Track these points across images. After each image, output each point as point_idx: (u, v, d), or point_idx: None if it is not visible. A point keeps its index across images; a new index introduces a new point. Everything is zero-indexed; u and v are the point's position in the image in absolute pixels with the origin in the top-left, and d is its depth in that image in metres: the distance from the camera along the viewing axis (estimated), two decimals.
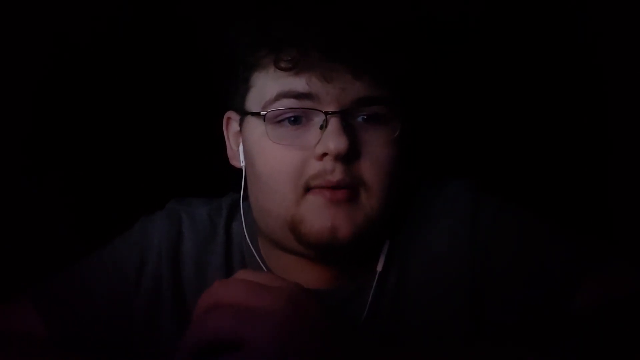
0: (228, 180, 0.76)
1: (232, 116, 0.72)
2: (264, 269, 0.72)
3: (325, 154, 0.62)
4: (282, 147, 0.64)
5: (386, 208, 0.66)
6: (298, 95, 0.63)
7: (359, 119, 0.64)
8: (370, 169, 0.64)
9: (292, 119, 0.64)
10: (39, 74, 1.00)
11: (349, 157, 0.62)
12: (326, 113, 0.62)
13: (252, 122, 0.67)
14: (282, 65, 0.62)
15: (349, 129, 0.63)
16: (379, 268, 0.69)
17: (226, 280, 0.50)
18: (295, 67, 0.62)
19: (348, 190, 0.63)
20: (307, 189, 0.64)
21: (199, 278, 0.73)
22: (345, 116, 0.63)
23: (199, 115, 0.96)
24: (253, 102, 0.67)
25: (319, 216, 0.63)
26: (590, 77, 1.02)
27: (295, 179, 0.63)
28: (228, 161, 0.74)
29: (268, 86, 0.65)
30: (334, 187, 0.63)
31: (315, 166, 0.63)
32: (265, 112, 0.64)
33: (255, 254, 0.73)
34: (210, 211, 0.77)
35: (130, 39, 1.01)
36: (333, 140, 0.61)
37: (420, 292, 0.69)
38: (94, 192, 1.03)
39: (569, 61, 1.03)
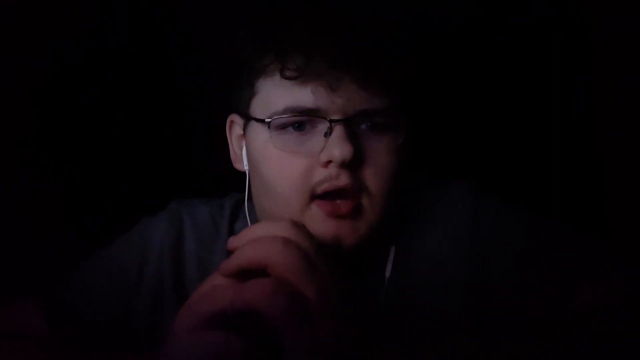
0: (229, 182, 0.76)
1: (236, 119, 0.72)
2: None
3: (330, 162, 0.63)
4: (287, 153, 0.64)
5: (389, 214, 0.66)
6: (304, 108, 0.63)
7: (363, 126, 0.64)
8: (374, 176, 0.64)
9: (297, 125, 0.64)
10: (40, 76, 1.00)
11: (353, 164, 0.62)
12: (330, 121, 0.63)
13: (256, 128, 0.67)
14: (288, 74, 0.63)
15: (352, 136, 0.63)
16: (387, 274, 0.70)
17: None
18: (301, 76, 0.62)
19: (351, 202, 0.63)
20: (313, 196, 0.64)
21: (202, 277, 0.72)
22: (349, 124, 0.63)
23: (201, 117, 0.96)
24: (258, 108, 0.67)
25: (321, 227, 0.63)
26: (590, 77, 1.03)
27: (300, 185, 0.64)
28: (229, 162, 0.74)
29: (274, 96, 0.65)
30: (340, 193, 0.63)
31: (320, 173, 0.63)
32: (270, 120, 0.64)
33: None
34: (212, 211, 0.77)
35: (133, 40, 1.02)
36: (338, 148, 0.61)
37: (422, 294, 0.69)
38: (96, 192, 1.03)
39: (569, 62, 1.03)
